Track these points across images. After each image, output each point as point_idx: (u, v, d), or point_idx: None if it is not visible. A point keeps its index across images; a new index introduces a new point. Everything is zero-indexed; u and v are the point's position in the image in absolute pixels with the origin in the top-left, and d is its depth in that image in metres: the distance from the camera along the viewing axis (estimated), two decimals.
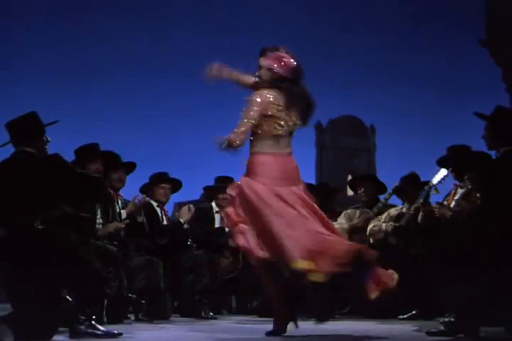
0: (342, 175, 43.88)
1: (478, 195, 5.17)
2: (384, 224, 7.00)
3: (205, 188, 7.86)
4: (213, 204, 7.75)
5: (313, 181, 7.44)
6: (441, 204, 5.74)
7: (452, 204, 5.76)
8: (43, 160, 4.59)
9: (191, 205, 7.27)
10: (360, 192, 7.55)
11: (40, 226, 4.35)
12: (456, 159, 6.04)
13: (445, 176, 6.46)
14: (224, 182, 7.60)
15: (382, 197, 7.45)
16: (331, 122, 49.14)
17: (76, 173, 4.63)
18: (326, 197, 7.68)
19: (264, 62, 4.78)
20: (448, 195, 6.17)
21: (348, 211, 7.63)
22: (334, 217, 7.66)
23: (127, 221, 6.53)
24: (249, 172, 4.72)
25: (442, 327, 4.61)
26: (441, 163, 6.30)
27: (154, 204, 7.25)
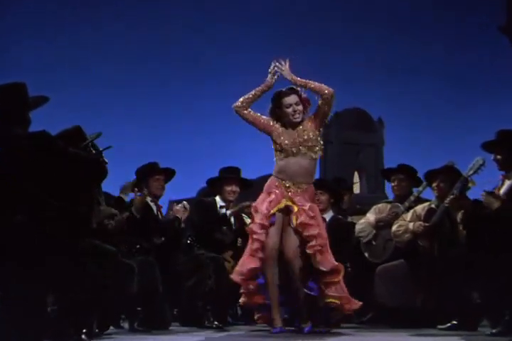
0: (348, 172, 43.79)
1: None
2: (411, 224, 6.67)
3: (209, 181, 7.50)
4: (217, 198, 7.44)
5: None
6: (489, 192, 5.37)
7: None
8: (28, 140, 4.27)
9: (185, 202, 7.07)
10: (392, 185, 7.28)
11: (24, 222, 4.15)
12: (506, 143, 5.73)
13: (481, 165, 6.11)
14: (231, 173, 7.42)
15: (415, 190, 7.16)
16: (336, 115, 48.84)
17: (70, 154, 4.31)
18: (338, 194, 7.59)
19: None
20: (494, 188, 5.83)
21: (379, 205, 7.36)
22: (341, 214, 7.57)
23: (127, 213, 6.38)
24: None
25: None
26: (488, 147, 5.93)
27: (148, 198, 7.02)
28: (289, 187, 5.98)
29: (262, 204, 6.01)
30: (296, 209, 5.92)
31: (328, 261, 5.82)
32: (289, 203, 5.95)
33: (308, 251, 5.81)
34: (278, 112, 6.07)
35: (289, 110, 5.99)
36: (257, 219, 5.96)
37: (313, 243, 5.79)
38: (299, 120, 6.01)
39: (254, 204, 6.13)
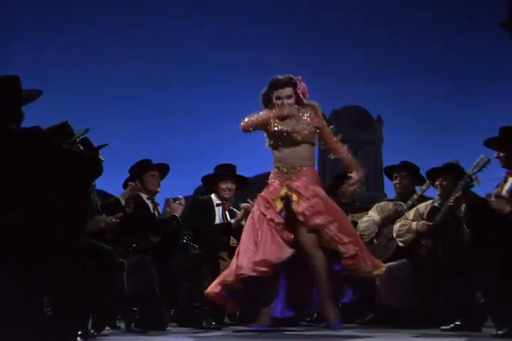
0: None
1: None
2: (414, 223, 6.59)
3: (204, 178, 7.37)
4: (213, 196, 7.33)
5: None
6: (499, 196, 5.26)
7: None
8: (22, 136, 4.13)
9: (181, 196, 7.01)
10: (395, 182, 7.20)
11: (23, 222, 4.02)
12: (509, 140, 5.59)
13: (486, 163, 5.97)
14: (226, 170, 7.33)
15: (418, 189, 7.08)
16: (334, 113, 48.82)
17: (65, 151, 4.21)
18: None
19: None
20: (497, 186, 5.72)
21: (381, 203, 7.30)
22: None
23: (120, 214, 6.16)
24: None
25: None
26: (491, 144, 5.80)
27: (144, 196, 6.94)
28: (286, 172, 6.05)
29: (265, 194, 6.07)
30: (295, 197, 5.94)
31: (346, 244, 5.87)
32: (289, 191, 5.99)
33: (326, 244, 5.86)
34: (269, 99, 6.15)
35: (278, 102, 6.08)
36: (261, 207, 6.00)
37: (325, 234, 5.83)
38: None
39: (258, 196, 6.17)
